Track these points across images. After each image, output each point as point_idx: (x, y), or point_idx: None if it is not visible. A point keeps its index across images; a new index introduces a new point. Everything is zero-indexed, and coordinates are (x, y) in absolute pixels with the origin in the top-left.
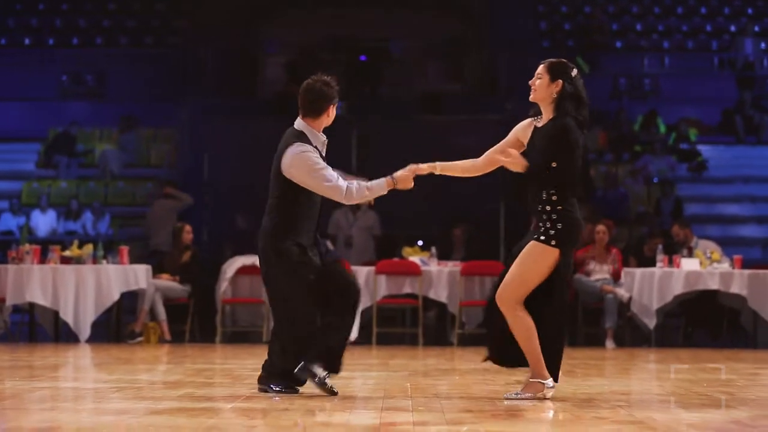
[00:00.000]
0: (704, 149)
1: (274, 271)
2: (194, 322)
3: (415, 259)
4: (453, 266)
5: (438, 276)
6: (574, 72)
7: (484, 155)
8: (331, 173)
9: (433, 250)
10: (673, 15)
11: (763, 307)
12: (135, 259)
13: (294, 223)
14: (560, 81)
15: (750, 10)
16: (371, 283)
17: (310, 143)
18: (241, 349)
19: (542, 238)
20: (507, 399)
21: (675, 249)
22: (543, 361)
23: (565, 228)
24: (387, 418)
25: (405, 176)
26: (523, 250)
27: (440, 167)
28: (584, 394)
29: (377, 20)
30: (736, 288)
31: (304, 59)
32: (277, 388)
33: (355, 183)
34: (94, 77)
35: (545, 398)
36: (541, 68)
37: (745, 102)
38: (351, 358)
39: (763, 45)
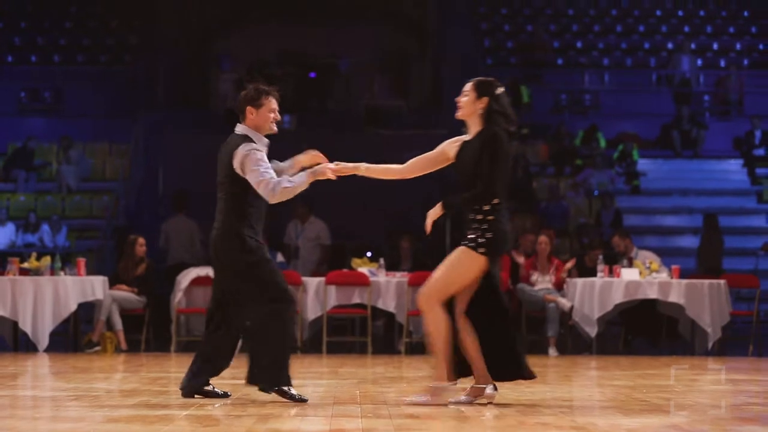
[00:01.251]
0: (643, 163)
1: (239, 267)
2: (150, 332)
3: (363, 270)
4: (401, 277)
5: (386, 286)
6: (500, 90)
7: (409, 162)
8: (268, 171)
9: (382, 261)
10: (612, 33)
11: (700, 315)
12: (152, 271)
13: (249, 221)
14: (486, 98)
15: (687, 28)
16: (321, 293)
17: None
18: None
19: (471, 244)
20: (409, 402)
21: (615, 259)
22: (446, 368)
23: (494, 238)
24: (336, 425)
25: (322, 169)
26: (452, 254)
27: (365, 168)
28: (528, 401)
29: (326, 37)
30: (674, 297)
31: (255, 75)
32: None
33: (283, 179)
34: (52, 93)
35: (446, 404)
36: (468, 86)
37: (682, 117)
38: (302, 366)
39: (699, 62)
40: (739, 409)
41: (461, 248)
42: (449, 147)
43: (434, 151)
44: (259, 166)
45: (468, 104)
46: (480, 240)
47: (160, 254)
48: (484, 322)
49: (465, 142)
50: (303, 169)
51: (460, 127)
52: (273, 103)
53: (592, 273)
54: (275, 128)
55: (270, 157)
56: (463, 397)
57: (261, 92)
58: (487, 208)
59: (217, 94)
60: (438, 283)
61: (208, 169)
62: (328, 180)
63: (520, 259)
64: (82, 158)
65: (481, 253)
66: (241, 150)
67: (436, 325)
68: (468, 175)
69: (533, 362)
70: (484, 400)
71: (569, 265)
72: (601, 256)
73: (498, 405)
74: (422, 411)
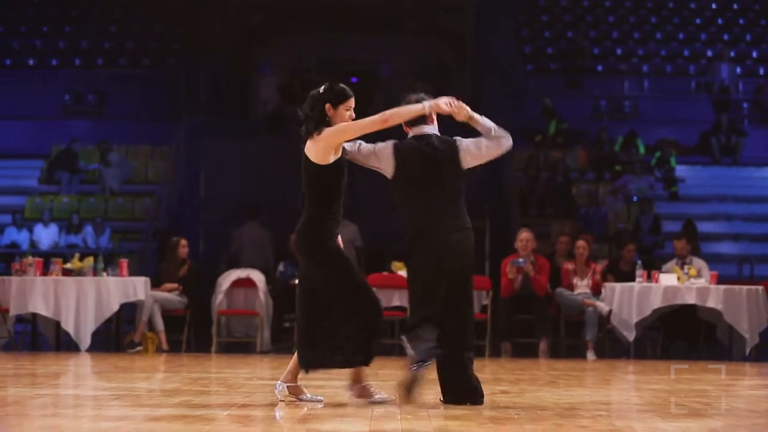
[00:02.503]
0: (681, 169)
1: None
2: (191, 333)
3: (403, 273)
4: None
5: None
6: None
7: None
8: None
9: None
10: (652, 40)
11: (737, 320)
12: (194, 273)
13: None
14: None
15: (726, 36)
16: None
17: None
18: (236, 358)
19: None
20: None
21: (653, 264)
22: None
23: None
24: (376, 426)
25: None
26: None
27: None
28: (566, 404)
29: (366, 44)
30: (712, 302)
31: (297, 81)
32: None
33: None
34: (95, 96)
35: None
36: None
37: (721, 124)
38: None
39: (738, 70)
40: None
41: None
42: None
43: None
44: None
45: None
46: None
47: (231, 259)
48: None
49: None
50: None
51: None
52: (350, 102)
53: (629, 277)
54: None
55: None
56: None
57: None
58: None
59: (259, 100)
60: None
61: (248, 173)
62: (368, 184)
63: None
64: (123, 161)
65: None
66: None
67: None
68: None
69: (572, 366)
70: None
71: (600, 266)
72: (639, 261)
73: (536, 407)
74: (460, 412)
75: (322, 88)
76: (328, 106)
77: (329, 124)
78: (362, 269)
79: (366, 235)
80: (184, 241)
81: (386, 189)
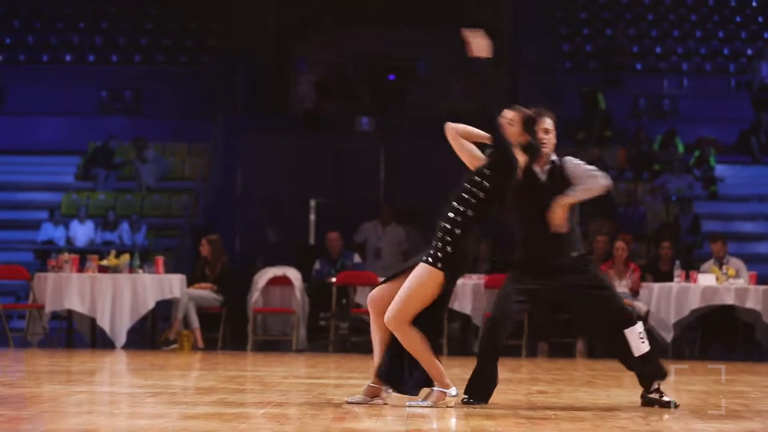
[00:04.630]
0: (721, 168)
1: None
2: (226, 331)
3: None
4: (477, 279)
5: (463, 289)
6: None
7: None
8: None
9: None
10: (691, 38)
11: None
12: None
13: None
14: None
15: (766, 35)
16: None
17: None
18: (272, 357)
19: (429, 260)
20: (409, 406)
21: (692, 264)
22: (443, 371)
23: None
24: (413, 425)
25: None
26: (414, 270)
27: None
28: (604, 404)
29: (403, 40)
30: (751, 303)
31: (333, 77)
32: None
33: None
34: (132, 93)
35: (447, 406)
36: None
37: (761, 123)
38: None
39: None
40: None
41: (421, 266)
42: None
43: None
44: None
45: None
46: (440, 254)
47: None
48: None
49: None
50: None
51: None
52: (544, 123)
53: (667, 277)
54: (543, 150)
55: (349, 161)
56: (358, 397)
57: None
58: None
59: (296, 97)
60: (399, 306)
61: (285, 170)
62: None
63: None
64: (159, 158)
65: (440, 269)
66: None
67: (411, 342)
68: None
69: (610, 366)
70: (443, 403)
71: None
72: (678, 261)
73: (573, 408)
74: (497, 412)
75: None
76: None
77: None
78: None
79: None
80: (203, 240)
81: (425, 189)
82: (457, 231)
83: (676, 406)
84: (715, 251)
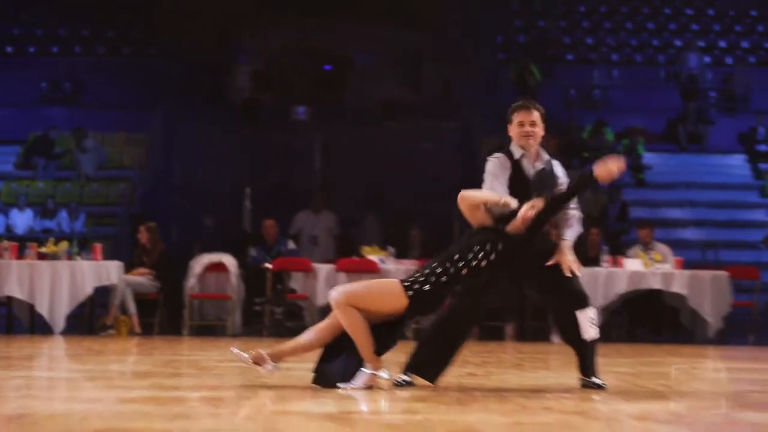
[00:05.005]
0: (649, 156)
1: None
2: (163, 316)
3: (373, 257)
4: (410, 264)
5: (395, 273)
6: None
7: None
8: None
9: (391, 249)
10: (622, 30)
11: (701, 305)
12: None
13: None
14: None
15: (695, 26)
16: (332, 280)
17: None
18: (207, 341)
19: (406, 283)
20: (342, 388)
21: (620, 249)
22: (372, 353)
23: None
24: (345, 408)
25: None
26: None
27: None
28: (532, 386)
29: (341, 32)
30: (676, 287)
31: (271, 68)
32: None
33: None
34: (72, 84)
35: (379, 388)
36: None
37: (688, 113)
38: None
39: (707, 59)
40: (738, 396)
41: (397, 281)
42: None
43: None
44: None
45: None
46: (416, 286)
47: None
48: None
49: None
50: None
51: (469, 122)
52: (520, 116)
53: (595, 262)
54: (530, 143)
55: (285, 150)
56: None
57: (511, 109)
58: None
59: (234, 88)
60: (355, 296)
61: (222, 159)
62: (342, 170)
63: None
64: (98, 147)
65: (408, 297)
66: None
67: (351, 320)
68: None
69: (537, 349)
70: (374, 384)
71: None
72: (605, 247)
73: (501, 390)
74: (427, 394)
75: None
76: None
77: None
78: (337, 256)
79: (340, 221)
80: (141, 228)
81: (360, 176)
82: (443, 279)
83: (603, 388)
84: (642, 237)
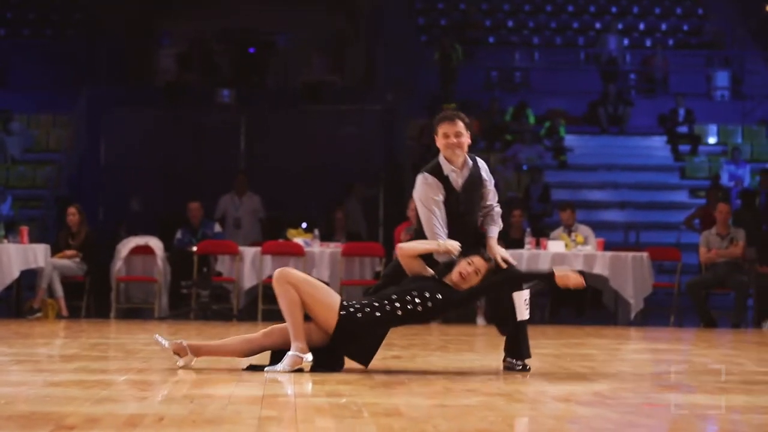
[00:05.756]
0: (570, 138)
1: None
2: (90, 299)
3: (299, 240)
4: (335, 247)
5: (320, 257)
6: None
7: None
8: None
9: (316, 232)
10: (542, 12)
11: (623, 286)
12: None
13: None
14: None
15: (614, 9)
16: (257, 263)
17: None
18: (134, 324)
19: (344, 303)
20: (266, 371)
21: (542, 231)
22: (302, 334)
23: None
24: (270, 390)
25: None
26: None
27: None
28: (455, 368)
29: (264, 14)
30: (598, 269)
31: (195, 50)
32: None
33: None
34: None
35: (303, 370)
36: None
37: (608, 95)
38: (238, 333)
39: (626, 41)
40: (660, 378)
41: (338, 297)
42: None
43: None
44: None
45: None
46: (351, 310)
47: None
48: None
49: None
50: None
51: (392, 103)
52: (444, 128)
53: (519, 244)
54: (457, 153)
55: (210, 132)
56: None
57: (436, 120)
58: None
59: (158, 69)
60: (299, 281)
61: (147, 141)
62: (267, 153)
63: None
64: (24, 130)
65: (339, 314)
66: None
67: (289, 298)
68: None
69: (462, 331)
70: (299, 367)
71: None
72: (528, 229)
73: (426, 372)
74: (352, 377)
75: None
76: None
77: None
78: (263, 238)
79: (264, 204)
80: (72, 209)
81: (285, 160)
82: (377, 314)
83: (527, 369)
84: (564, 219)
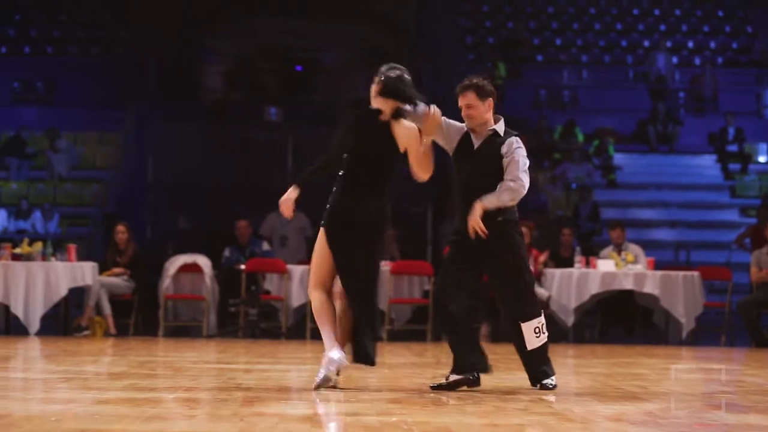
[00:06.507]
0: (619, 157)
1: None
2: (138, 317)
3: None
4: (384, 266)
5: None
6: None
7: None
8: None
9: None
10: (590, 30)
11: (674, 306)
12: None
13: None
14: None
15: (663, 27)
16: (305, 281)
17: None
18: (182, 342)
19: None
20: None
21: (591, 250)
22: (334, 337)
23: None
24: (320, 409)
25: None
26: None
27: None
28: (506, 387)
29: (309, 32)
30: (649, 288)
31: (242, 68)
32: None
33: None
34: (44, 84)
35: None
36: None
37: (657, 113)
38: (286, 352)
39: (675, 59)
40: (711, 397)
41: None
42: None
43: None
44: None
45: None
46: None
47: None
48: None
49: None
50: None
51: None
52: (459, 100)
53: (568, 263)
54: (470, 122)
55: (257, 150)
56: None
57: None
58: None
59: (204, 87)
60: (311, 274)
61: (195, 159)
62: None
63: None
64: (71, 147)
65: (322, 225)
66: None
67: (316, 307)
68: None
69: (512, 350)
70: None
71: (543, 257)
72: (578, 248)
73: (477, 391)
74: (403, 396)
75: None
76: None
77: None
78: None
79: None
80: (120, 227)
81: (333, 177)
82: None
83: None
84: (614, 238)
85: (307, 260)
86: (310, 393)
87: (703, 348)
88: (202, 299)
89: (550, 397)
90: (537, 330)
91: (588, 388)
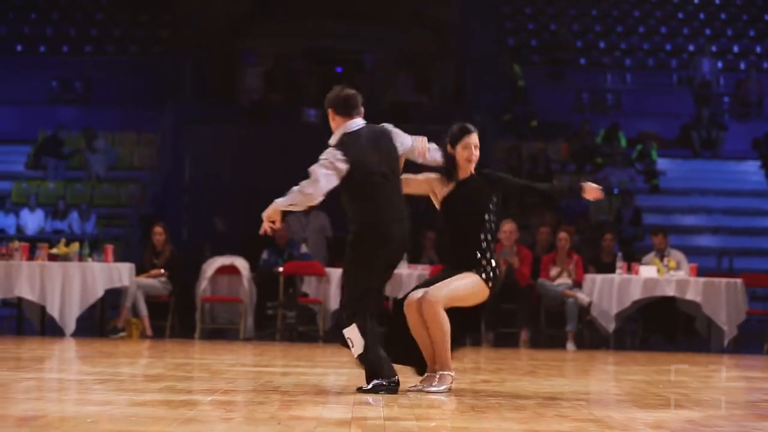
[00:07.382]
0: (662, 162)
1: None
2: (175, 319)
3: None
4: (422, 269)
5: (408, 278)
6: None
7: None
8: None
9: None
10: (635, 34)
11: (716, 313)
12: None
13: None
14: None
15: (708, 31)
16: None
17: None
18: (219, 345)
19: (483, 276)
20: (426, 391)
21: (633, 256)
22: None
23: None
24: (358, 413)
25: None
26: (466, 276)
27: None
28: (546, 393)
29: (350, 33)
30: (691, 295)
31: (281, 69)
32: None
33: None
34: (82, 83)
35: (450, 390)
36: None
37: (701, 118)
38: (324, 355)
39: (719, 64)
40: (754, 406)
41: (476, 277)
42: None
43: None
44: None
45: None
46: (490, 273)
47: None
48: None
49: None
50: None
51: (480, 123)
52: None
53: (610, 269)
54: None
55: (295, 151)
56: (428, 385)
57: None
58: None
59: (243, 88)
60: (447, 297)
61: (232, 160)
62: None
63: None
64: (108, 148)
65: (489, 287)
66: None
67: (442, 324)
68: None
69: (552, 356)
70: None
71: (578, 259)
72: (620, 253)
73: (516, 396)
74: (440, 400)
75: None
76: (448, 146)
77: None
78: (331, 258)
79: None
80: (158, 228)
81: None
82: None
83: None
84: (656, 244)
85: (330, 262)
86: (348, 397)
87: (745, 356)
88: (240, 301)
89: (590, 404)
90: (351, 340)
91: (628, 395)
